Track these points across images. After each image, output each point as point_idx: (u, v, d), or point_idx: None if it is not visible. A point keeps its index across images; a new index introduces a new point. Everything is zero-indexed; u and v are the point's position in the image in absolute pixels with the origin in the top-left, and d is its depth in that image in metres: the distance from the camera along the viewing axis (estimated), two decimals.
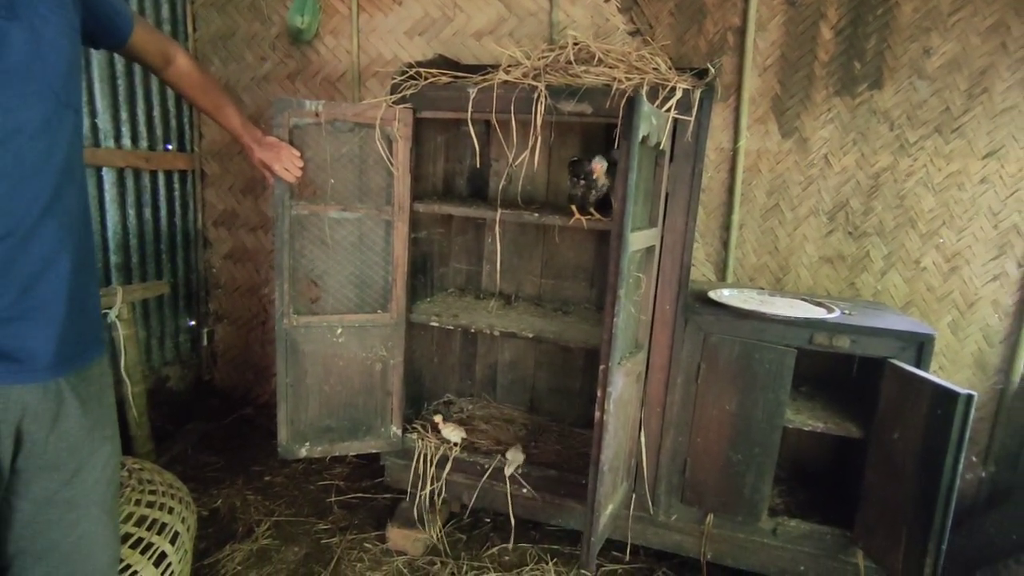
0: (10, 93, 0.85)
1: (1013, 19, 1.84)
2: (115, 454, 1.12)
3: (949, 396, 1.33)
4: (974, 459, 2.08)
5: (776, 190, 2.14)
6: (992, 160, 1.93)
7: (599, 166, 1.66)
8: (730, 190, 2.17)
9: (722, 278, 2.24)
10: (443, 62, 2.02)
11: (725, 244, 2.22)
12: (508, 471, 1.91)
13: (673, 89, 1.53)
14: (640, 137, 1.31)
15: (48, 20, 0.89)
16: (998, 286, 1.98)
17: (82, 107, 1.00)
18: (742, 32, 2.08)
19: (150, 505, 1.55)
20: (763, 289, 2.02)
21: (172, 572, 1.47)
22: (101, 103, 2.41)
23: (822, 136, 2.06)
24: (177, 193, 2.89)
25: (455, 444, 1.99)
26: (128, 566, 1.37)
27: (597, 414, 1.40)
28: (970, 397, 1.30)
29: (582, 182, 1.73)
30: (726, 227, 2.20)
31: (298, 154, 1.70)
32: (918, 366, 1.50)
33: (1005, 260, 1.96)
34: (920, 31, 1.92)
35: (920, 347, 1.52)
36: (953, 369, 2.07)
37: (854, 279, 2.12)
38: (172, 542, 1.50)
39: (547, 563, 2.00)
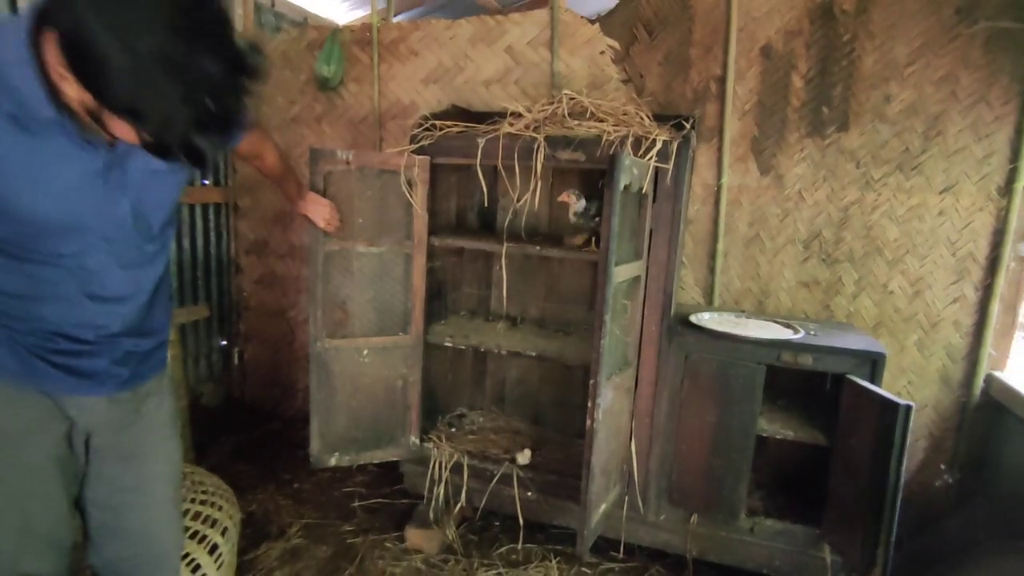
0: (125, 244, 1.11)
1: (961, 71, 2.07)
2: (176, 451, 1.36)
3: (892, 407, 1.54)
4: (942, 467, 2.27)
5: (756, 221, 2.36)
6: (948, 195, 2.14)
7: (570, 197, 1.98)
8: (715, 221, 2.40)
9: (709, 302, 2.46)
10: (456, 112, 2.28)
11: (712, 270, 2.44)
12: (521, 461, 2.15)
13: (654, 141, 1.77)
14: (622, 187, 1.55)
15: (154, 185, 1.12)
16: (958, 308, 2.19)
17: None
18: (723, 81, 2.32)
19: (203, 503, 1.78)
20: (742, 312, 2.24)
21: (223, 562, 1.70)
22: None
23: (796, 173, 2.29)
24: (212, 224, 3.17)
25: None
26: (187, 554, 1.61)
27: (588, 422, 1.63)
28: (908, 407, 1.51)
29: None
30: (712, 255, 2.42)
31: (336, 210, 1.93)
32: (872, 381, 1.71)
33: (964, 284, 2.17)
34: (880, 80, 2.15)
35: (873, 364, 1.73)
36: (920, 384, 2.26)
37: (828, 302, 2.33)
38: (222, 535, 1.73)
39: (551, 561, 2.20)
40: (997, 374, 2.15)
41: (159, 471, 1.30)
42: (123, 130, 0.88)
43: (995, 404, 2.13)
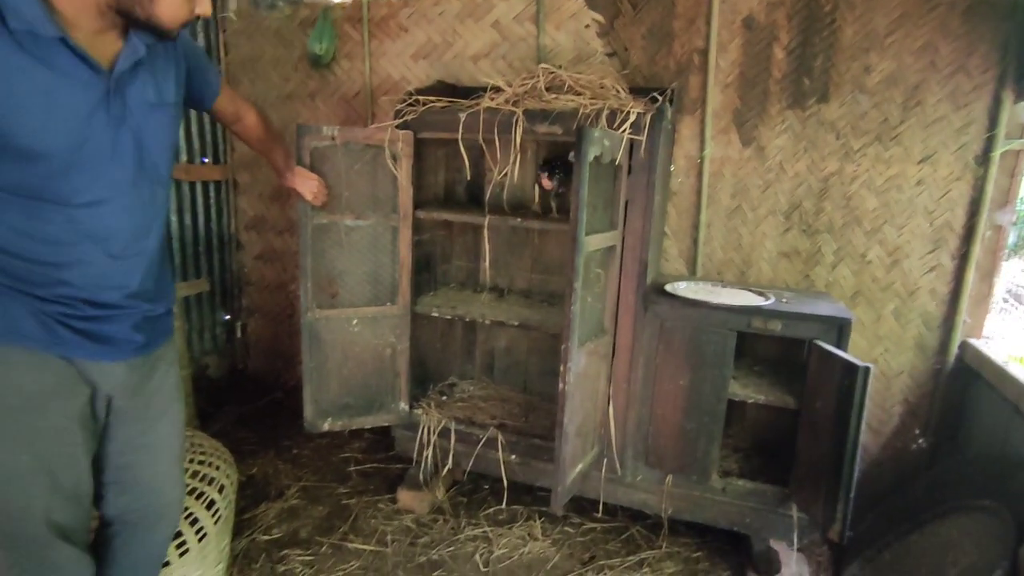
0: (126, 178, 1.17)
1: (940, 41, 2.08)
2: (182, 412, 1.46)
3: (852, 368, 1.60)
4: (916, 431, 2.33)
5: (738, 193, 2.40)
6: (926, 165, 2.16)
7: (545, 180, 2.13)
8: (698, 193, 2.44)
9: (693, 272, 2.51)
10: (441, 87, 2.33)
11: (695, 241, 2.48)
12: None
13: (628, 113, 1.81)
14: (591, 158, 1.60)
15: (151, 118, 1.19)
16: (935, 276, 2.22)
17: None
18: (705, 53, 2.34)
19: (201, 463, 1.89)
20: (719, 282, 2.29)
21: (220, 516, 1.81)
22: None
23: (777, 145, 2.32)
24: (213, 201, 3.26)
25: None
26: (186, 508, 1.71)
27: (560, 385, 1.70)
28: (867, 369, 1.57)
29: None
30: (695, 226, 2.47)
31: (324, 184, 2.00)
32: (838, 346, 1.76)
33: (940, 253, 2.20)
34: (860, 51, 2.17)
35: (840, 329, 1.78)
36: (897, 351, 2.31)
37: (808, 272, 2.37)
38: (219, 492, 1.84)
39: (535, 521, 2.31)
40: (972, 341, 2.19)
41: (167, 431, 1.40)
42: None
43: (969, 370, 2.18)
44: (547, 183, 2.15)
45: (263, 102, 3.13)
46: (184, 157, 3.02)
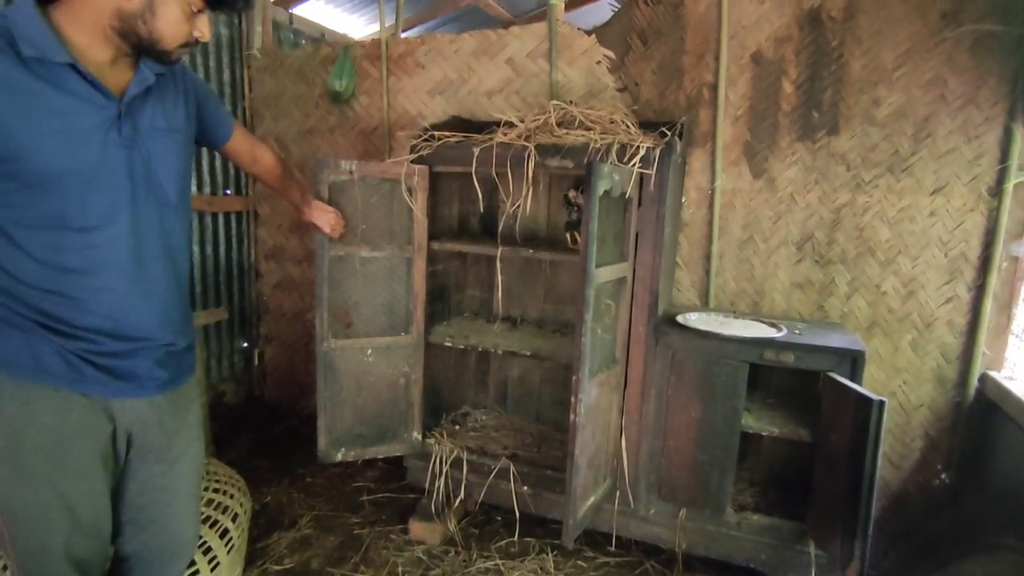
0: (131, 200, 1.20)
1: (949, 74, 2.10)
2: (201, 452, 1.47)
3: (867, 402, 1.59)
4: (938, 467, 2.28)
5: (750, 224, 2.41)
6: (939, 196, 2.16)
7: (573, 193, 2.12)
8: (710, 224, 2.45)
9: (705, 303, 2.51)
10: (456, 122, 2.39)
11: (707, 272, 2.49)
12: None
13: (637, 148, 1.85)
14: (600, 192, 1.63)
15: (160, 143, 1.23)
16: (952, 307, 2.20)
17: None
18: (715, 88, 2.38)
19: (215, 491, 1.92)
20: (731, 313, 2.29)
21: (233, 545, 1.83)
22: None
23: (788, 176, 2.34)
24: (234, 231, 3.34)
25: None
26: (199, 537, 1.73)
27: (571, 417, 1.71)
28: (882, 403, 1.56)
29: (575, 210, 2.12)
30: (707, 257, 2.48)
31: (341, 216, 2.03)
32: (852, 378, 1.75)
33: (956, 284, 2.18)
34: (868, 84, 2.19)
35: (854, 361, 1.77)
36: (915, 384, 2.28)
37: (822, 302, 2.36)
38: (233, 520, 1.86)
39: (547, 554, 2.28)
40: (992, 373, 2.15)
41: (187, 470, 1.40)
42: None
43: (990, 404, 2.14)
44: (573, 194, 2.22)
45: (285, 137, 3.23)
46: (208, 189, 3.12)
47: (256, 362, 3.54)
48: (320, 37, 3.88)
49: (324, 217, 1.99)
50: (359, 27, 4.50)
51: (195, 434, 1.44)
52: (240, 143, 1.56)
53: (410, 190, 2.17)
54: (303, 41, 3.74)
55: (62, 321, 1.15)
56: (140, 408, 1.27)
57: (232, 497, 1.93)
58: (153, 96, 1.21)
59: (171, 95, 1.27)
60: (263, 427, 3.26)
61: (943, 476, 2.27)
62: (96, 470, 1.23)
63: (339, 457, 2.27)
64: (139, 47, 1.13)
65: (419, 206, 2.18)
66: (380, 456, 2.39)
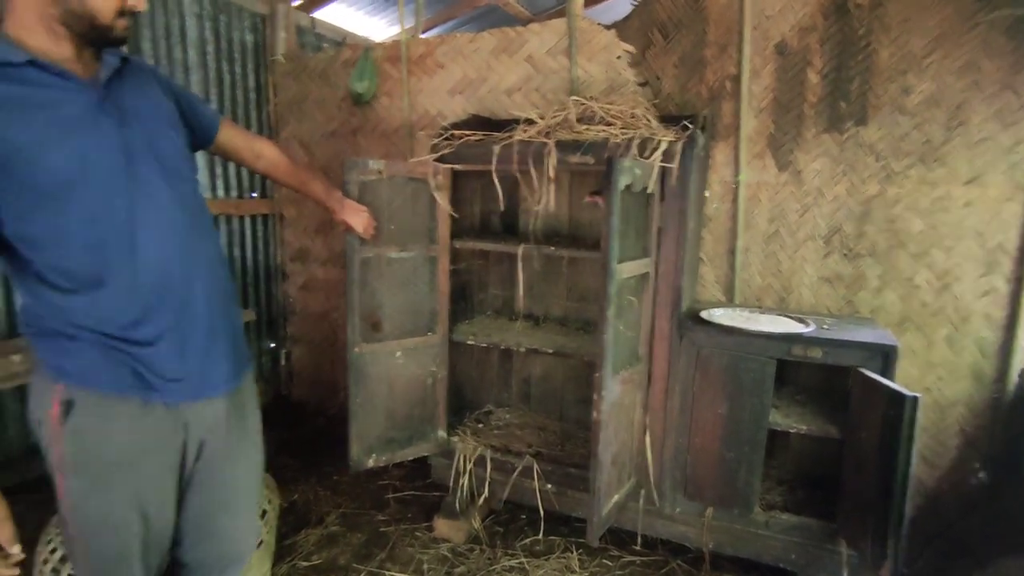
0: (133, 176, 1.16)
1: (983, 59, 2.03)
2: (261, 463, 1.47)
3: (899, 398, 1.54)
4: (976, 465, 2.21)
5: (776, 218, 2.37)
6: (974, 185, 2.09)
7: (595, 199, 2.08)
8: (734, 218, 2.41)
9: (730, 299, 2.47)
10: (476, 121, 2.40)
11: (732, 267, 2.45)
12: None
13: (659, 142, 1.83)
14: (622, 187, 1.62)
15: (151, 119, 1.21)
16: (989, 301, 2.13)
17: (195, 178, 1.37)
18: (738, 80, 2.34)
19: None
20: (757, 308, 2.25)
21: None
22: (200, 162, 2.94)
23: (814, 168, 2.29)
24: (260, 234, 3.40)
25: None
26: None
27: (594, 414, 1.69)
28: (915, 399, 1.51)
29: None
30: (732, 252, 2.44)
31: (373, 217, 1.99)
32: (883, 374, 1.70)
33: (994, 277, 2.11)
34: (898, 72, 2.13)
35: (885, 356, 1.72)
36: (951, 380, 2.21)
37: (852, 297, 2.31)
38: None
39: (572, 552, 2.27)
40: None
41: (249, 483, 1.41)
42: None
43: None
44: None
45: (309, 140, 3.27)
46: (234, 193, 3.18)
47: (283, 362, 3.60)
48: (342, 40, 3.92)
49: (357, 217, 1.94)
50: (380, 29, 4.54)
51: (257, 442, 1.43)
52: (233, 138, 1.50)
53: (436, 189, 2.17)
54: (325, 45, 3.79)
55: (124, 327, 1.15)
56: (210, 411, 1.26)
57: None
58: (129, 81, 1.20)
59: (153, 88, 1.26)
60: (291, 426, 3.31)
61: (981, 475, 2.20)
62: (167, 479, 1.24)
63: (371, 463, 2.24)
64: (89, 35, 1.11)
65: (441, 205, 2.19)
66: (409, 458, 2.39)
